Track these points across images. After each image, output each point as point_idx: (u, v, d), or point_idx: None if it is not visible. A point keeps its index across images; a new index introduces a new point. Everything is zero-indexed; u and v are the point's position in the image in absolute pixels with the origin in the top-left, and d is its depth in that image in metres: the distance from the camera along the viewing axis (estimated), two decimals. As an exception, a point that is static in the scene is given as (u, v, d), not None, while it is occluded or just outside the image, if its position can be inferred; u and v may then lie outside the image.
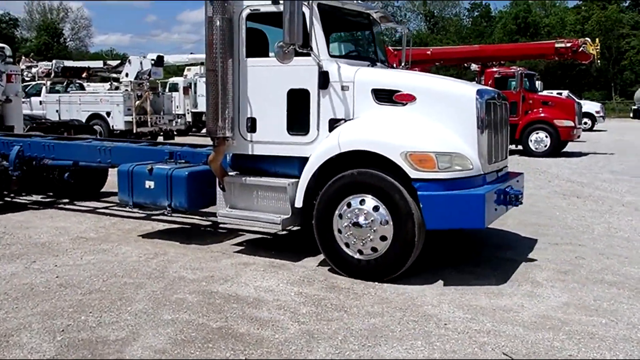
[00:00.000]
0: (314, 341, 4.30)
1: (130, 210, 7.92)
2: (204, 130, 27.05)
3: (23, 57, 25.84)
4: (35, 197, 10.12)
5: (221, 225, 7.88)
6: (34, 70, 24.09)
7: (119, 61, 24.66)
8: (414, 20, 70.44)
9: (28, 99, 23.29)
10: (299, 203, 5.94)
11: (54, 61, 24.18)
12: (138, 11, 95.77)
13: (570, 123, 17.56)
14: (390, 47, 14.99)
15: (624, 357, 4.10)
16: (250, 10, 6.20)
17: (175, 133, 21.25)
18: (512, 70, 18.51)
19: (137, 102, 19.45)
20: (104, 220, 8.37)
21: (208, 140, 6.60)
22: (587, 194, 11.00)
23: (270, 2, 6.00)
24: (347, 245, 5.65)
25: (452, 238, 7.25)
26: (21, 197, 10.09)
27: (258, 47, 6.45)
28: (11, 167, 8.89)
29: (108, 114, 19.56)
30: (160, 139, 20.39)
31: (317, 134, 5.96)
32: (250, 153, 6.38)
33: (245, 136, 6.34)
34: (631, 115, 45.44)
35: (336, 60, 5.98)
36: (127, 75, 20.43)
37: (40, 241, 7.17)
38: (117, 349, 4.15)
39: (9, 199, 9.62)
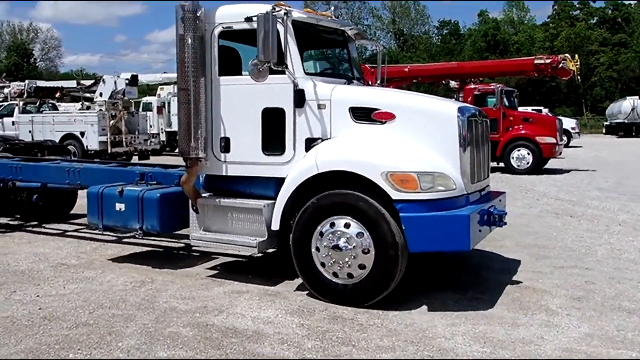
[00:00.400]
0: (326, 381, 3.96)
1: (100, 233, 7.58)
2: (177, 150, 26.76)
3: (-6, 77, 25.30)
4: (2, 220, 9.70)
5: (194, 248, 7.59)
6: (6, 90, 23.60)
7: (92, 81, 24.24)
8: (383, 39, 71.15)
9: (0, 120, 22.79)
10: (275, 225, 5.71)
11: (26, 81, 23.69)
12: (107, 31, 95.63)
13: (552, 140, 17.56)
14: (366, 65, 14.91)
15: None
16: (223, 27, 6.02)
17: (149, 153, 20.89)
18: (492, 87, 18.54)
19: (112, 122, 19.12)
20: (84, 245, 7.99)
21: (182, 160, 6.33)
22: (579, 212, 10.78)
23: (243, 19, 5.83)
24: (322, 265, 5.44)
25: (451, 260, 7.03)
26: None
27: (231, 65, 6.26)
28: (-24, 190, 8.51)
29: (82, 134, 19.21)
30: (135, 158, 20.05)
31: (293, 154, 5.76)
32: (224, 174, 6.15)
33: (219, 156, 6.11)
34: (604, 131, 46.29)
35: (312, 78, 5.82)
36: (101, 94, 20.08)
37: (19, 269, 6.77)
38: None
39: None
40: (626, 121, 43.50)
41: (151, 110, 25.78)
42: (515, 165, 17.72)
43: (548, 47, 56.85)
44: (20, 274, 6.55)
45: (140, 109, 24.90)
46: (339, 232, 5.33)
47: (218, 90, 6.06)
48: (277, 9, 5.55)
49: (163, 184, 7.10)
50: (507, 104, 18.20)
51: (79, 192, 9.05)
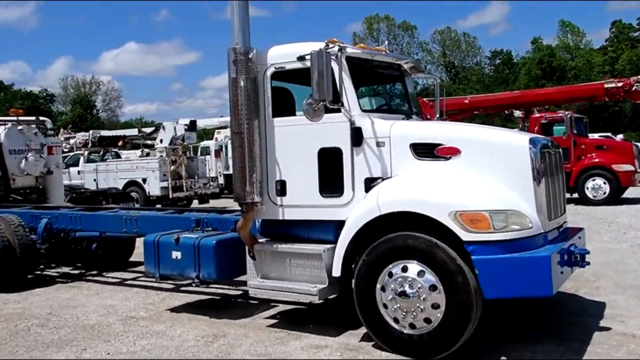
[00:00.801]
0: None
1: (158, 281, 7.44)
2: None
3: (62, 129, 26.54)
4: (64, 269, 9.82)
5: (252, 295, 7.32)
6: (72, 141, 24.63)
7: (153, 128, 25.00)
8: (434, 72, 70.64)
9: (67, 170, 23.73)
10: (336, 272, 5.38)
11: (90, 131, 24.70)
12: (164, 80, 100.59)
13: (630, 167, 16.49)
14: (424, 99, 14.56)
15: None
16: (275, 68, 5.88)
17: (209, 196, 21.11)
18: (560, 114, 17.70)
19: (172, 167, 19.45)
20: (151, 296, 7.84)
21: (238, 203, 6.12)
22: (680, 248, 9.74)
23: (295, 59, 5.67)
24: (395, 320, 5.03)
25: (537, 306, 6.43)
26: (50, 270, 9.81)
27: (284, 106, 6.10)
28: (39, 241, 8.66)
29: (144, 180, 19.60)
30: (195, 202, 20.29)
31: (352, 195, 5.46)
32: (280, 218, 5.91)
33: (275, 200, 5.89)
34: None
35: (369, 115, 5.55)
36: (161, 141, 20.56)
37: (89, 323, 6.65)
38: None
39: (38, 272, 9.36)
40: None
41: (209, 154, 26.22)
42: (590, 196, 16.71)
43: (608, 70, 54.78)
44: (90, 329, 6.39)
45: (199, 153, 25.37)
46: (404, 278, 4.94)
47: (272, 132, 5.89)
48: (330, 45, 5.36)
49: (219, 230, 6.94)
50: (576, 131, 17.32)
51: (137, 239, 9.03)
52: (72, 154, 23.70)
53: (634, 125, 57.65)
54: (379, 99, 7.12)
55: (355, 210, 5.32)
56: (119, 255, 9.84)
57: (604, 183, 16.64)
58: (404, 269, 4.97)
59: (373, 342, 5.35)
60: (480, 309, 4.85)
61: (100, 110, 72.21)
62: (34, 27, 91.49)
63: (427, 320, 4.87)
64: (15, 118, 12.71)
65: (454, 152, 5.17)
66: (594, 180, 16.72)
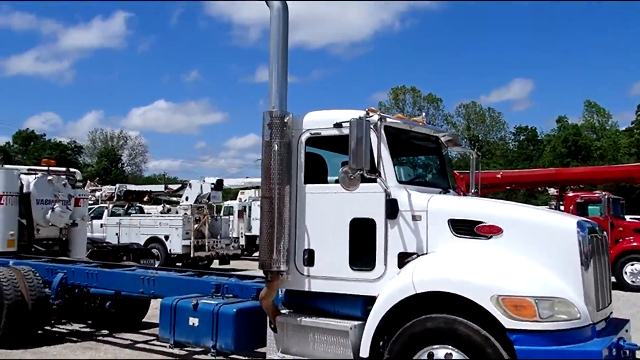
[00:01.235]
0: None
1: (172, 348, 7.07)
2: (255, 254, 26.64)
3: (88, 181, 26.83)
4: (74, 326, 9.50)
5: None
6: (97, 193, 24.78)
7: (179, 185, 25.13)
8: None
9: (90, 222, 23.77)
10: (364, 352, 5.01)
11: (117, 185, 24.89)
12: (189, 138, 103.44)
13: None
14: (455, 171, 14.33)
15: None
16: (311, 134, 5.74)
17: (230, 257, 20.81)
18: (597, 194, 17.24)
19: (196, 226, 19.31)
20: None
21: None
22: None
23: (332, 125, 5.54)
24: None
25: None
26: (60, 325, 9.49)
27: (316, 172, 5.92)
28: (52, 295, 8.41)
29: (166, 237, 19.45)
30: (215, 262, 19.99)
31: (384, 270, 5.16)
32: (306, 289, 5.61)
33: (302, 270, 5.61)
34: None
35: (405, 187, 5.32)
36: (187, 198, 20.58)
37: None
38: None
39: (48, 328, 9.05)
40: None
41: (232, 214, 26.13)
42: (629, 281, 15.91)
43: (634, 152, 54.17)
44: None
45: (222, 213, 25.31)
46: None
47: (303, 198, 5.68)
48: (370, 114, 5.22)
49: (239, 297, 6.63)
50: (613, 213, 16.79)
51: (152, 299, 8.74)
52: (96, 206, 23.83)
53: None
54: (414, 170, 6.93)
55: (388, 286, 5.00)
56: (133, 315, 9.51)
57: None
58: (439, 355, 4.58)
59: None
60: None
61: (125, 164, 73.48)
62: (69, 81, 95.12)
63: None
64: (46, 168, 12.80)
65: (495, 231, 4.88)
66: (632, 265, 15.98)
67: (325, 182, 5.94)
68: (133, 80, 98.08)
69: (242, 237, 26.09)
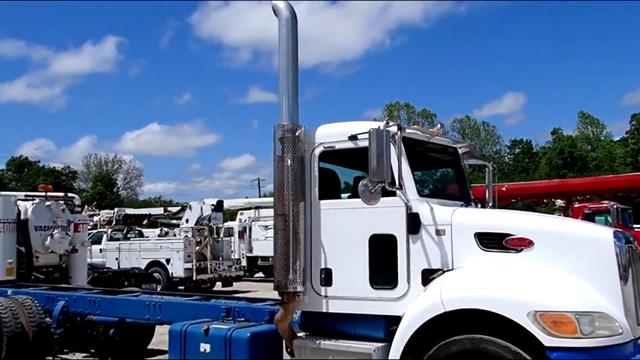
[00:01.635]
0: None
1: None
2: (257, 275, 26.25)
3: (86, 206, 26.47)
4: (76, 356, 9.14)
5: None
6: (95, 218, 24.42)
7: (179, 208, 24.82)
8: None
9: (89, 247, 23.39)
10: (390, 375, 4.70)
11: (115, 209, 24.58)
12: (183, 161, 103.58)
13: None
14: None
15: None
16: (324, 147, 5.50)
17: (232, 279, 20.46)
18: (605, 205, 17.13)
19: (197, 248, 18.99)
20: None
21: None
22: None
23: (346, 138, 5.31)
24: None
25: None
26: (62, 356, 9.12)
27: (331, 187, 5.68)
28: (54, 325, 8.13)
29: (167, 261, 19.10)
30: (218, 285, 19.60)
31: (407, 288, 4.89)
32: (324, 310, 5.32)
33: (319, 290, 5.33)
34: None
35: (427, 200, 5.07)
36: (187, 221, 20.25)
37: None
38: None
39: (50, 358, 8.69)
40: None
41: (232, 235, 25.79)
42: None
43: (630, 162, 54.25)
44: None
45: (222, 234, 24.97)
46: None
47: (318, 215, 5.43)
48: (390, 124, 4.99)
49: (252, 321, 6.34)
50: (622, 222, 16.71)
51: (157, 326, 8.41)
52: (94, 231, 23.45)
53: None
54: (434, 183, 6.69)
55: (415, 305, 4.72)
56: (137, 343, 9.13)
57: None
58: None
59: None
60: None
61: (121, 188, 73.12)
62: (61, 107, 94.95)
63: None
64: (43, 193, 12.51)
65: (526, 243, 4.63)
66: None
67: (339, 197, 5.70)
68: (125, 104, 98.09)
69: (243, 258, 25.75)
